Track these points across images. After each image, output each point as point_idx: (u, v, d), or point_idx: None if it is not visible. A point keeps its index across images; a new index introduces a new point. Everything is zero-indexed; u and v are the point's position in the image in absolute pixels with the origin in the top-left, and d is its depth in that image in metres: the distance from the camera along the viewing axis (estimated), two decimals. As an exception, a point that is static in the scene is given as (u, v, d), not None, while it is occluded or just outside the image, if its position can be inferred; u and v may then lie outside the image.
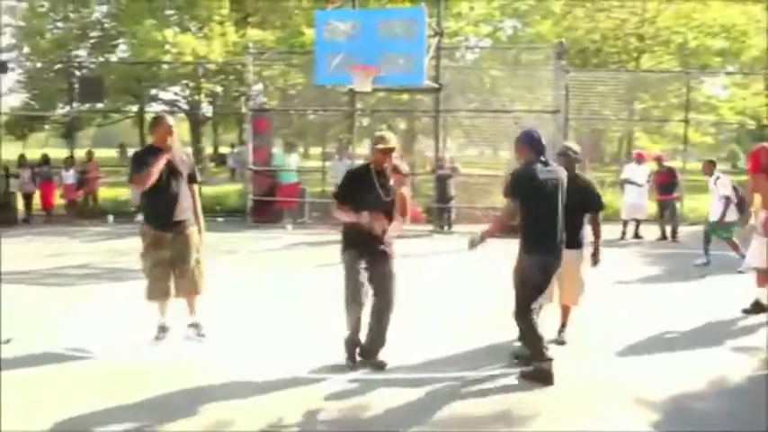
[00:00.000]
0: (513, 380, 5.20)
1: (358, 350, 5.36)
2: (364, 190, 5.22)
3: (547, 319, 6.15)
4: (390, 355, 5.40)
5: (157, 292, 5.93)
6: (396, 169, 5.20)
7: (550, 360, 5.11)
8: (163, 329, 6.06)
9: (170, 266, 5.89)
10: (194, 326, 6.13)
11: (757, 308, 7.08)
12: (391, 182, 5.26)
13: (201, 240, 6.07)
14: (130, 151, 29.99)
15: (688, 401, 4.85)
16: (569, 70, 16.39)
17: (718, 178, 9.86)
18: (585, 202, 5.94)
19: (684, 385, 5.10)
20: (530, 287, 5.16)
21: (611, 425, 4.46)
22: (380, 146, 5.21)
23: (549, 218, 5.21)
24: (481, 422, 4.48)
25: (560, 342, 6.05)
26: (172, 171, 5.78)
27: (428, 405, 4.71)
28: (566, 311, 6.19)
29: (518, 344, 5.61)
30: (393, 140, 5.25)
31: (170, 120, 5.92)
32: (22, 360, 5.50)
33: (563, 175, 5.36)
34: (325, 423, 4.45)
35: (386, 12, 12.22)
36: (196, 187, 6.09)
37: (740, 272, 8.69)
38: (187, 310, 6.12)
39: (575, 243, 5.91)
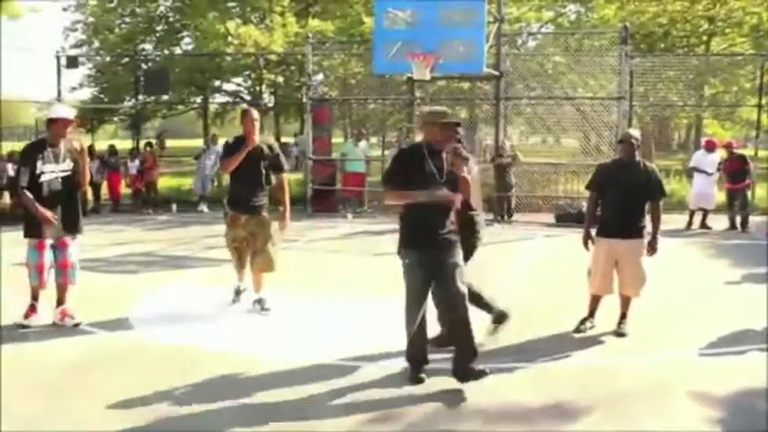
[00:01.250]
0: (569, 371, 5.10)
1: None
2: (415, 170, 4.64)
3: (605, 312, 6.04)
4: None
5: (238, 264, 6.73)
6: (456, 152, 4.63)
7: (494, 306, 5.43)
8: (238, 293, 6.84)
9: (246, 243, 6.56)
10: (259, 301, 6.62)
11: None
12: (450, 166, 4.69)
13: (286, 225, 6.66)
14: (168, 143, 30.48)
15: (751, 400, 4.65)
16: (634, 55, 15.96)
17: None
18: (647, 189, 5.83)
19: (749, 383, 4.89)
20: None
21: (668, 419, 4.32)
22: (447, 120, 4.70)
23: None
24: (534, 413, 4.39)
25: (620, 334, 5.90)
26: (253, 160, 6.39)
27: (479, 396, 4.61)
28: (626, 302, 6.02)
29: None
30: (454, 116, 4.87)
31: (254, 113, 6.49)
32: (87, 343, 5.69)
33: None
34: (365, 411, 4.43)
35: (445, -1, 12.08)
36: (284, 175, 6.69)
37: None
38: (252, 287, 6.70)
39: (635, 232, 5.83)
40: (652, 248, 5.83)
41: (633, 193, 5.79)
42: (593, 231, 6.03)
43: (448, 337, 4.95)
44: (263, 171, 6.49)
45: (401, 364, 5.00)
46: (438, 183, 4.62)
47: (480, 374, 4.66)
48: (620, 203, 5.83)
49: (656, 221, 5.86)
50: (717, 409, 4.49)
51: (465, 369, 4.69)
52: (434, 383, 4.82)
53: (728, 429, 4.24)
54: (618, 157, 6.16)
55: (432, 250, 4.66)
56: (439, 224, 4.70)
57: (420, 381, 4.79)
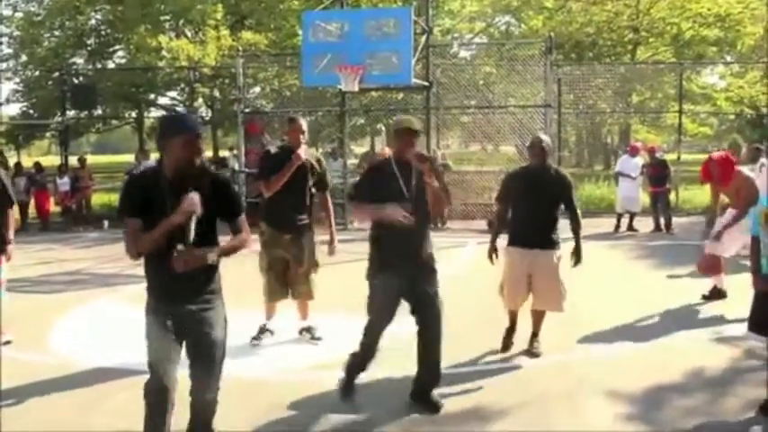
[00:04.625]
0: (488, 376, 5.20)
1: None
2: (384, 185, 4.36)
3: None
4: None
5: (273, 294, 5.91)
6: (422, 157, 4.28)
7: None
8: (263, 331, 6.01)
9: (286, 268, 5.83)
10: (307, 330, 6.05)
11: (716, 294, 7.25)
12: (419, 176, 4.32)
13: (334, 247, 5.89)
14: (103, 158, 29.78)
15: (663, 394, 4.83)
16: (560, 64, 16.40)
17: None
18: (560, 197, 5.47)
19: (660, 378, 5.07)
20: None
21: (582, 419, 4.45)
22: (402, 127, 4.39)
23: None
24: (452, 419, 4.46)
25: (534, 354, 5.62)
26: (300, 173, 5.66)
27: (396, 404, 4.64)
28: (538, 319, 5.69)
29: None
30: (416, 124, 4.45)
31: (302, 121, 5.76)
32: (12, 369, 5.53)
33: None
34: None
35: (372, 11, 12.32)
36: (328, 193, 5.96)
37: None
38: (297, 315, 6.08)
39: (550, 242, 5.45)
40: (577, 257, 5.46)
41: (546, 202, 5.43)
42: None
43: (417, 357, 4.58)
44: (310, 187, 5.76)
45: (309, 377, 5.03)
46: (405, 200, 4.30)
47: (435, 408, 4.48)
48: (534, 213, 5.44)
49: (577, 228, 5.50)
50: (630, 405, 4.64)
51: (425, 395, 4.53)
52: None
53: (641, 424, 4.38)
54: (528, 164, 5.72)
55: (410, 272, 4.37)
56: (415, 246, 4.40)
57: (351, 397, 4.56)
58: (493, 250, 5.59)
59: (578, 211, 5.54)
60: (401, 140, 4.36)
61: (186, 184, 3.31)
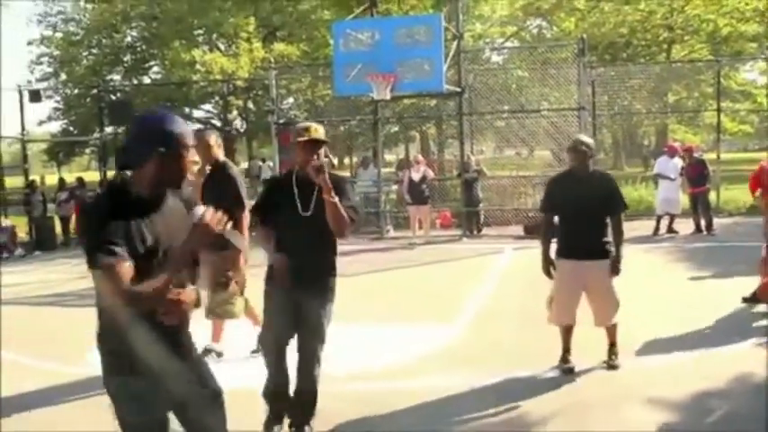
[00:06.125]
0: (529, 384, 5.13)
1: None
2: (281, 201, 4.04)
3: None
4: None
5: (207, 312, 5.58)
6: (318, 170, 3.73)
7: None
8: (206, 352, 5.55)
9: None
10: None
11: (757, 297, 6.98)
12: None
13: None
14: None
15: (705, 401, 4.72)
16: (594, 66, 16.22)
17: None
18: (606, 201, 5.12)
19: (701, 385, 4.95)
20: None
21: (631, 426, 4.35)
22: (302, 138, 3.93)
23: None
24: (491, 427, 4.43)
25: (613, 366, 5.32)
26: (204, 189, 5.39)
27: (439, 412, 4.65)
28: (612, 329, 5.36)
29: None
30: (320, 132, 3.99)
31: (210, 136, 5.58)
32: (53, 382, 5.63)
33: None
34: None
35: (402, 19, 12.33)
36: (245, 213, 5.25)
37: None
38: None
39: (602, 252, 5.09)
40: (615, 269, 5.11)
41: (593, 207, 5.06)
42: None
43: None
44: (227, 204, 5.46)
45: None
46: (299, 213, 3.95)
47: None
48: (580, 220, 5.09)
49: (619, 238, 5.10)
50: (673, 414, 4.54)
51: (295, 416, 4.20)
52: (397, 400, 4.84)
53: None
54: (569, 169, 5.37)
55: (295, 291, 3.98)
56: (310, 258, 3.98)
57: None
58: (549, 263, 5.20)
59: (623, 220, 5.20)
60: (301, 152, 3.94)
61: (157, 203, 2.60)
